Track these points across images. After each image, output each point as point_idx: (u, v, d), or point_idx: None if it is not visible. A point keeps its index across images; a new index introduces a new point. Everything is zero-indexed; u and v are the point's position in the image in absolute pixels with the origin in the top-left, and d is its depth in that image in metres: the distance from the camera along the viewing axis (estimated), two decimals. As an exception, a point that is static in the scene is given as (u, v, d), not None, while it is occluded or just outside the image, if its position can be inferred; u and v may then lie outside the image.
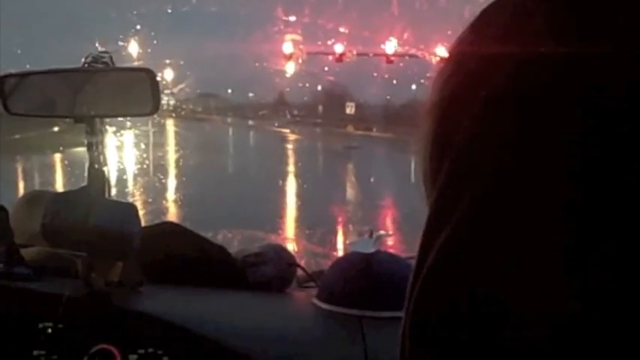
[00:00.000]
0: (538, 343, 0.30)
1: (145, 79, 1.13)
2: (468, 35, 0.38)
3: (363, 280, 1.22)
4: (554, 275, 0.30)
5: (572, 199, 0.30)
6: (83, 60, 1.16)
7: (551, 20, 0.33)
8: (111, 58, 1.16)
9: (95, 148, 1.15)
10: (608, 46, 0.30)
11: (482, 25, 0.37)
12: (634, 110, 0.29)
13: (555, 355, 0.30)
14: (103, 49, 1.19)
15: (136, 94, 1.14)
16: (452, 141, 0.34)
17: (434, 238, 0.34)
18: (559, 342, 0.29)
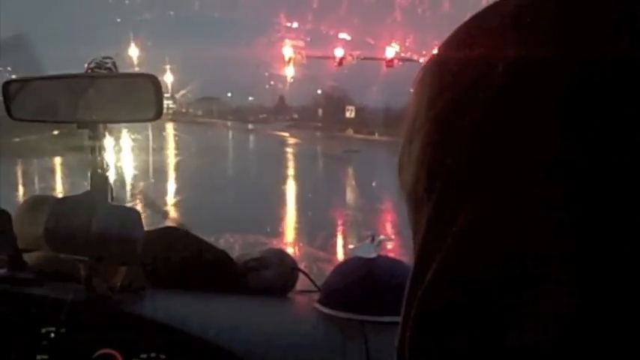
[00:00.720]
0: (542, 346, 0.30)
1: (149, 85, 1.13)
2: (452, 49, 0.38)
3: (365, 284, 1.23)
4: (557, 279, 0.30)
5: (569, 203, 0.30)
6: (86, 65, 1.16)
7: (540, 26, 0.33)
8: (114, 63, 1.16)
9: (98, 152, 1.15)
10: (594, 49, 0.31)
11: (471, 37, 0.37)
12: (613, 110, 0.30)
13: (559, 357, 0.30)
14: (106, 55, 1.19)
15: (139, 99, 1.14)
16: (446, 158, 0.35)
17: (433, 250, 0.35)
18: (562, 344, 0.30)
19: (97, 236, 1.09)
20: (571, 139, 0.30)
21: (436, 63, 0.38)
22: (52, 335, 1.10)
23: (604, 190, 0.29)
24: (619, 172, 0.29)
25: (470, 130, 0.34)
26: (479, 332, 0.32)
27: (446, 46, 0.39)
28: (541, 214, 0.31)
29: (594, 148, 0.30)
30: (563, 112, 0.31)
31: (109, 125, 1.21)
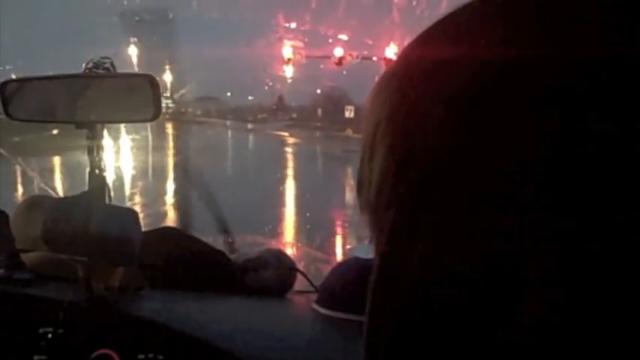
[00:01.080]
0: (529, 346, 0.30)
1: (146, 85, 1.13)
2: (413, 57, 0.37)
3: (363, 285, 1.22)
4: (538, 280, 0.30)
5: (541, 203, 0.30)
6: (84, 65, 1.16)
7: (508, 26, 0.33)
8: (112, 63, 1.16)
9: (96, 153, 1.15)
10: (561, 50, 0.31)
11: (435, 38, 0.37)
12: (588, 107, 0.30)
13: (546, 357, 0.30)
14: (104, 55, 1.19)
15: (137, 100, 1.14)
16: (410, 166, 0.34)
17: (400, 255, 0.35)
18: (549, 344, 0.30)
19: (95, 237, 1.09)
20: (543, 140, 0.30)
21: (395, 74, 0.38)
22: (50, 336, 1.10)
23: (580, 191, 0.29)
24: (597, 173, 0.29)
25: (433, 134, 0.33)
26: (463, 333, 0.32)
27: (406, 55, 0.38)
28: (508, 214, 0.31)
29: (569, 148, 0.30)
30: (534, 112, 0.30)
31: (108, 125, 1.21)
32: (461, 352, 0.32)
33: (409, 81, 0.36)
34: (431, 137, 0.33)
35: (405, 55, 0.38)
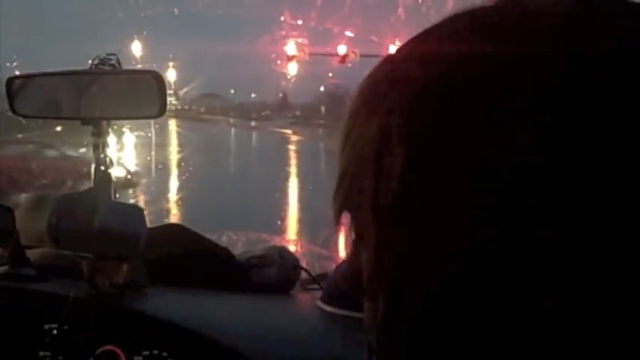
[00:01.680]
0: (543, 345, 0.30)
1: (152, 82, 1.13)
2: (406, 62, 0.37)
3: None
4: (535, 282, 0.30)
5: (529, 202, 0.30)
6: (90, 62, 1.16)
7: (481, 38, 0.34)
8: (118, 60, 1.16)
9: (101, 149, 1.15)
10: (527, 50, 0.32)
11: (419, 49, 0.37)
12: (558, 106, 0.30)
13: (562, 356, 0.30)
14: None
15: (143, 96, 1.14)
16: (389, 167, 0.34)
17: (387, 257, 0.35)
18: (561, 343, 0.30)
19: (100, 233, 1.09)
20: (532, 140, 0.30)
21: (386, 78, 0.38)
22: (55, 332, 1.11)
23: (571, 194, 0.29)
24: (579, 174, 0.29)
25: (416, 141, 0.33)
26: (480, 333, 0.32)
27: (394, 59, 0.39)
28: (496, 217, 0.31)
29: (555, 148, 0.30)
30: (524, 113, 0.30)
31: (113, 122, 1.21)
32: (477, 350, 0.32)
33: (386, 98, 0.36)
34: (417, 138, 0.33)
35: (378, 69, 0.39)
